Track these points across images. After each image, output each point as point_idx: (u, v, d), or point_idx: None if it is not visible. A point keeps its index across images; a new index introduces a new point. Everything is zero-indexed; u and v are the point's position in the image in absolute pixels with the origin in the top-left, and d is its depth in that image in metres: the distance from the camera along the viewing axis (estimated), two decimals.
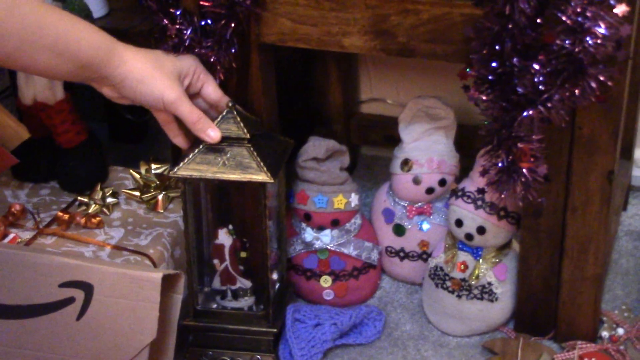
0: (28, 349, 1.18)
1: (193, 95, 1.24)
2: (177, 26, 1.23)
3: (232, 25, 1.22)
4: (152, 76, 1.16)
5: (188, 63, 1.22)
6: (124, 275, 1.16)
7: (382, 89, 1.70)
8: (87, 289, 1.17)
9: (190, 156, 1.22)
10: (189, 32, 1.23)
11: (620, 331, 1.35)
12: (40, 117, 1.42)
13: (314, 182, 1.40)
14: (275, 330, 1.32)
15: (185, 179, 1.23)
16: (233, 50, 1.25)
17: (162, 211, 1.41)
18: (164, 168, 1.43)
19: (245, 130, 1.21)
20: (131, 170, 1.43)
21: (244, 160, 1.21)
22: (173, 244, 1.35)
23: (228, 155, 1.21)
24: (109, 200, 1.41)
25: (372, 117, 1.71)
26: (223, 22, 1.22)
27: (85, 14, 1.35)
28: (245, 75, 1.32)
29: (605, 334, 1.34)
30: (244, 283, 1.32)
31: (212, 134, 1.20)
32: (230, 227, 1.30)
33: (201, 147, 1.22)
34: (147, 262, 1.31)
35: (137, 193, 1.41)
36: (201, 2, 1.21)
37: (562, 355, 1.31)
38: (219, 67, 1.26)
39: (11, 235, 1.33)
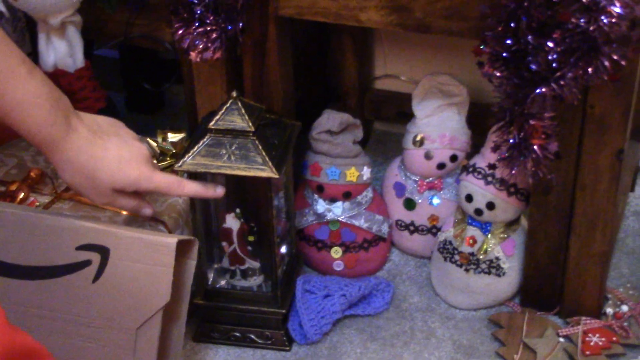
0: (44, 309, 1.20)
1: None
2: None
3: None
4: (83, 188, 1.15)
5: (128, 180, 1.16)
6: (140, 240, 1.18)
7: (396, 66, 1.70)
8: (104, 252, 1.18)
9: (196, 148, 1.22)
10: (199, 11, 1.23)
11: (625, 308, 1.36)
12: (60, 84, 1.43)
13: (328, 154, 1.41)
14: (283, 311, 1.34)
15: (190, 173, 1.23)
16: (241, 25, 1.25)
17: None
18: (180, 137, 1.45)
19: (250, 123, 1.20)
20: (148, 139, 1.44)
21: (249, 154, 1.21)
22: (188, 211, 1.37)
23: (233, 148, 1.21)
24: None
25: (385, 93, 1.72)
26: None
27: None
28: (262, 48, 1.33)
29: (609, 310, 1.36)
30: (252, 263, 1.33)
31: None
32: (238, 210, 1.30)
33: (207, 139, 1.21)
34: (161, 229, 1.32)
35: (154, 161, 1.43)
36: None
37: (566, 330, 1.33)
38: (224, 41, 1.25)
39: (30, 199, 1.35)
